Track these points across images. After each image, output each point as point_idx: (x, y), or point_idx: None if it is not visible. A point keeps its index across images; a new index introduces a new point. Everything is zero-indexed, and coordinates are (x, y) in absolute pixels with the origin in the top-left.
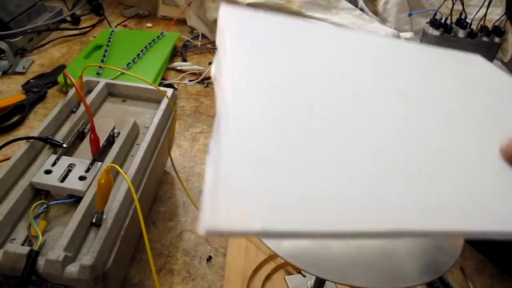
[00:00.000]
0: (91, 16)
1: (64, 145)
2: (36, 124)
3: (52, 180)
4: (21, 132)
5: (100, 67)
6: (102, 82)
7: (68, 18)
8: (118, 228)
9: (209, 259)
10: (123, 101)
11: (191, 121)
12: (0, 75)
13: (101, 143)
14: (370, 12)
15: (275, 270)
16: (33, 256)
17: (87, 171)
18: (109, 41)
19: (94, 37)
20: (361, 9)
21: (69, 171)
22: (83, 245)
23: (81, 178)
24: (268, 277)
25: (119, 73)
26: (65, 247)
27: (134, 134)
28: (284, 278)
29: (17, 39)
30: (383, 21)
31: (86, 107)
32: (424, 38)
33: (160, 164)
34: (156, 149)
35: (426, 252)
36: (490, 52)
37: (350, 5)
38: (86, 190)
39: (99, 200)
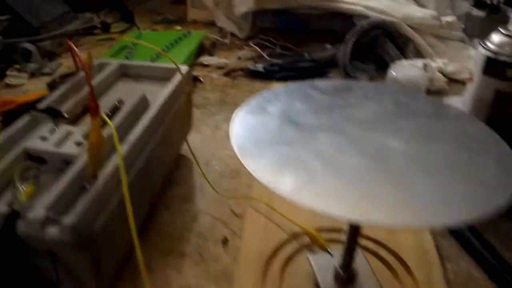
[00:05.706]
0: (121, 24)
1: (65, 115)
2: None
3: (47, 145)
4: None
5: (126, 57)
6: (115, 62)
7: (98, 25)
8: (111, 192)
9: (225, 241)
10: (137, 81)
11: (215, 110)
12: (28, 76)
13: (103, 110)
14: None
15: (298, 251)
16: (12, 216)
17: (86, 138)
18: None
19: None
20: None
21: (67, 138)
22: (72, 209)
23: (78, 144)
24: (289, 259)
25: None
26: (48, 207)
27: (142, 107)
28: (308, 257)
29: (45, 42)
30: (421, 5)
31: (84, 69)
32: (468, 21)
33: (172, 143)
34: (164, 122)
35: None
36: None
37: None
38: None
39: (90, 161)
